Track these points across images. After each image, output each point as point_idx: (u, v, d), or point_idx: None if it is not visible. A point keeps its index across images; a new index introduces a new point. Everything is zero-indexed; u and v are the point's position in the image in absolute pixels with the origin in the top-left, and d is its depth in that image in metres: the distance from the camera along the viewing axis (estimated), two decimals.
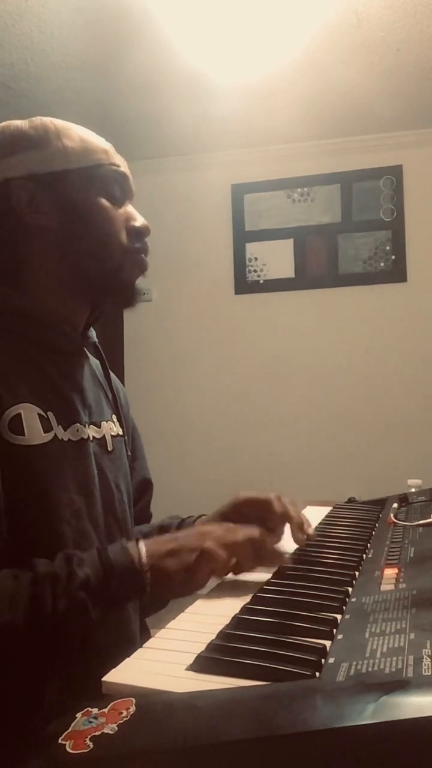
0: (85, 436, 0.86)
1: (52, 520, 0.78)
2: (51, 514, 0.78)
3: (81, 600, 0.69)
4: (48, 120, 0.88)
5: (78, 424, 0.85)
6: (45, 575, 0.69)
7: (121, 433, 0.97)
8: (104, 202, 0.88)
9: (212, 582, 0.82)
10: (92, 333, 0.97)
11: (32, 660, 0.71)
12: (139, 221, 0.91)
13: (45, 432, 0.79)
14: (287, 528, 0.97)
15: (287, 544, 0.96)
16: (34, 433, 0.77)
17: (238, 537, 0.81)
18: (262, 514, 0.95)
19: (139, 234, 0.90)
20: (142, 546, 0.75)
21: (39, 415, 0.79)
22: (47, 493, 0.77)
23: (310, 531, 0.96)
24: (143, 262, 0.92)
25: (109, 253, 0.88)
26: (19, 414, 0.77)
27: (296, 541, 0.95)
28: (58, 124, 0.87)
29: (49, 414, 0.81)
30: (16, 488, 0.75)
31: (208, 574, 0.78)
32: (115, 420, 0.97)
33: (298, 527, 0.95)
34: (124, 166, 0.91)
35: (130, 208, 0.91)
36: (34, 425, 0.78)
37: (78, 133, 0.87)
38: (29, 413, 0.78)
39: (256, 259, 3.22)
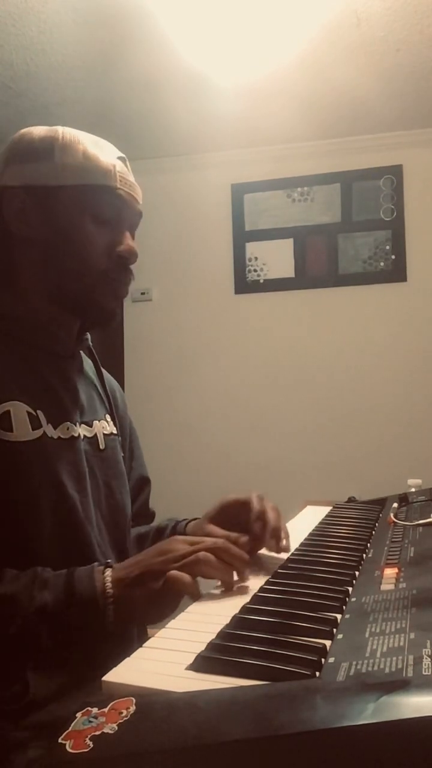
0: (76, 434, 0.88)
1: (34, 515, 0.79)
2: (34, 509, 0.79)
3: (33, 626, 0.69)
4: (61, 133, 0.87)
5: (68, 423, 0.87)
6: (4, 596, 0.70)
7: (115, 432, 0.99)
8: (89, 223, 0.87)
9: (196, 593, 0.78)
10: (87, 335, 0.98)
11: None
12: (123, 246, 0.89)
13: (34, 429, 0.81)
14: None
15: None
16: (22, 430, 0.80)
17: (198, 552, 0.77)
18: (243, 515, 0.96)
19: (120, 259, 0.89)
20: (109, 574, 0.74)
21: (28, 413, 0.81)
22: (32, 488, 0.79)
23: (284, 543, 0.93)
24: (119, 289, 0.91)
25: (83, 274, 0.88)
26: (8, 411, 0.79)
27: (268, 547, 0.93)
28: (68, 137, 0.86)
29: (39, 412, 0.83)
30: (1, 482, 0.77)
31: (178, 600, 0.76)
32: (108, 419, 0.98)
33: (273, 533, 0.93)
34: (128, 188, 0.89)
35: (120, 232, 0.90)
36: (22, 423, 0.80)
37: (84, 150, 0.86)
38: (18, 411, 0.80)
39: (256, 258, 3.22)
